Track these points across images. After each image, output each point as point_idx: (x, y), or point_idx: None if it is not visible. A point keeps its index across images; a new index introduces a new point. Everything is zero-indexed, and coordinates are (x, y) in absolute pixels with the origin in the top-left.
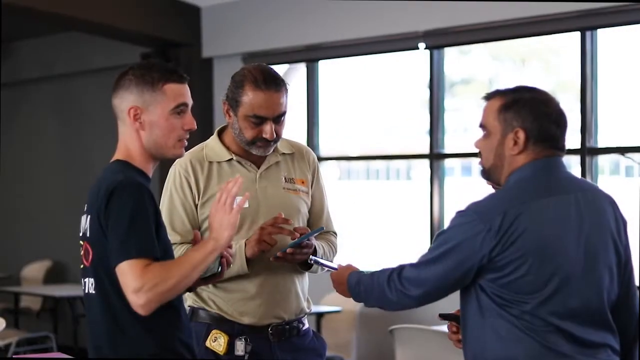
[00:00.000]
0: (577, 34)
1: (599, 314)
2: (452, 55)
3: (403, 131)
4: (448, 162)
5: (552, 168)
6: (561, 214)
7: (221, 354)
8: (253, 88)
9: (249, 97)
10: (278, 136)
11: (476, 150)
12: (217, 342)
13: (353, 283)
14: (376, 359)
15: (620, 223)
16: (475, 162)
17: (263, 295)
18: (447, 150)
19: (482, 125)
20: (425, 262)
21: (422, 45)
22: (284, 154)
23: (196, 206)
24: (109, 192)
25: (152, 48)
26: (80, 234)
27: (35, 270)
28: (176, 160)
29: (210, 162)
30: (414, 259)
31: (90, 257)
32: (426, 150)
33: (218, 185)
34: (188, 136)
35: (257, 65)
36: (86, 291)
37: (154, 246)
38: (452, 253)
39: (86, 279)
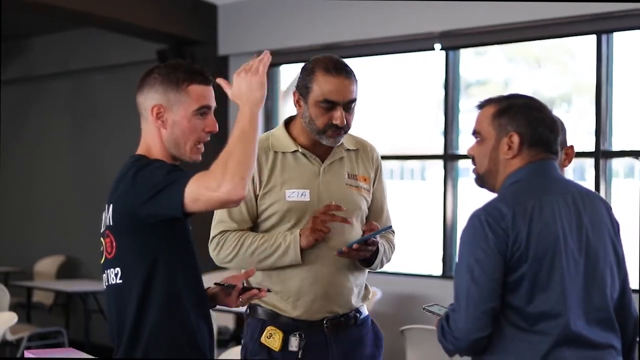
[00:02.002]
0: (593, 37)
1: (603, 313)
2: (467, 56)
3: (418, 131)
4: (462, 163)
5: (547, 170)
6: (561, 213)
7: (276, 350)
8: (324, 73)
9: (320, 83)
10: (348, 124)
11: None
12: (272, 338)
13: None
14: (387, 358)
15: (615, 225)
16: None
17: (316, 291)
18: (462, 151)
19: (475, 132)
20: (461, 298)
21: (437, 46)
22: (348, 149)
23: (257, 196)
24: (132, 173)
25: (168, 45)
26: (101, 231)
27: (47, 265)
28: None
29: (275, 152)
30: (427, 258)
31: (114, 247)
32: (440, 151)
33: (281, 176)
34: (209, 138)
35: (327, 55)
36: (109, 282)
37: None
38: (479, 265)
39: (109, 270)
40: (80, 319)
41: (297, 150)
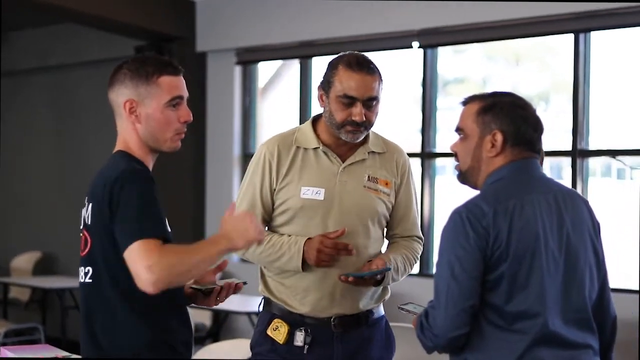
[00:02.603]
0: (572, 35)
1: (581, 313)
2: (446, 54)
3: (395, 129)
4: (439, 161)
5: (529, 169)
6: (542, 212)
7: (280, 342)
8: (345, 69)
9: (341, 78)
10: (368, 121)
11: None
12: (278, 330)
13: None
14: None
15: (596, 225)
16: None
17: (323, 290)
18: (439, 149)
19: (459, 129)
20: (440, 294)
21: (416, 44)
22: (373, 152)
23: (273, 190)
24: (112, 181)
25: (147, 41)
26: (81, 225)
27: (24, 261)
28: (265, 141)
29: (298, 147)
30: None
31: (89, 246)
32: (418, 149)
33: (299, 172)
34: (185, 129)
35: (354, 52)
36: (81, 280)
37: (166, 228)
38: (458, 263)
39: (81, 268)
40: (56, 316)
41: (319, 147)
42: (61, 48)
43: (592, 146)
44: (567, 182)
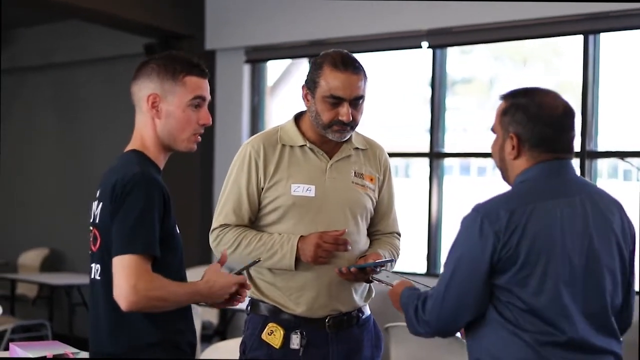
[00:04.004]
0: (580, 37)
1: (601, 319)
2: (453, 54)
3: (403, 129)
4: (447, 161)
5: (555, 171)
6: (563, 217)
7: (276, 347)
8: (331, 69)
9: (327, 78)
10: (355, 121)
11: (475, 151)
12: (273, 335)
13: (403, 302)
14: None
15: (627, 229)
16: (473, 162)
17: (318, 287)
18: (447, 149)
19: (492, 128)
20: (440, 285)
21: (425, 44)
22: (357, 148)
23: (260, 189)
24: (122, 185)
25: (155, 39)
26: (91, 220)
27: (32, 257)
28: (248, 140)
29: (283, 146)
30: (411, 256)
31: (98, 243)
32: (426, 149)
33: (287, 170)
34: (202, 131)
35: (337, 50)
36: (92, 276)
37: (156, 246)
38: (463, 261)
39: (92, 265)
40: (64, 312)
41: (305, 145)
42: (66, 45)
43: (600, 148)
44: None
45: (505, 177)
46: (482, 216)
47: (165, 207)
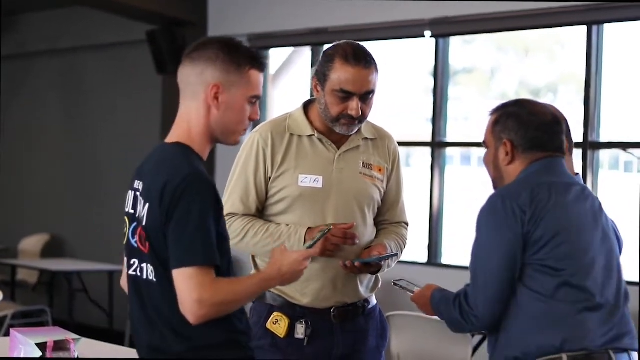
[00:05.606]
0: (584, 27)
1: (617, 308)
2: (456, 43)
3: (405, 118)
4: (449, 151)
5: (550, 166)
6: (578, 201)
7: (281, 336)
8: (342, 62)
9: (338, 72)
10: (364, 115)
11: (477, 140)
12: (278, 324)
13: (436, 303)
14: None
15: (609, 223)
16: (474, 152)
17: (324, 279)
18: (449, 138)
19: (483, 142)
20: (478, 277)
21: (428, 33)
22: (366, 138)
23: (268, 179)
24: (173, 187)
25: (158, 26)
26: (127, 211)
27: (32, 243)
28: (257, 128)
29: (292, 135)
30: (412, 245)
31: (148, 245)
32: (428, 138)
33: (295, 160)
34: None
35: (349, 42)
36: (144, 277)
37: (216, 254)
38: (495, 244)
39: (144, 265)
40: (64, 299)
41: (314, 135)
42: (71, 31)
43: (602, 139)
44: None
45: (500, 186)
46: (503, 197)
47: (218, 205)
